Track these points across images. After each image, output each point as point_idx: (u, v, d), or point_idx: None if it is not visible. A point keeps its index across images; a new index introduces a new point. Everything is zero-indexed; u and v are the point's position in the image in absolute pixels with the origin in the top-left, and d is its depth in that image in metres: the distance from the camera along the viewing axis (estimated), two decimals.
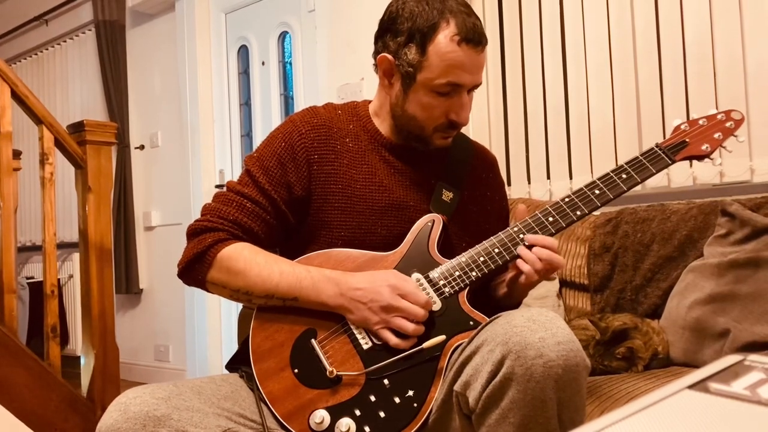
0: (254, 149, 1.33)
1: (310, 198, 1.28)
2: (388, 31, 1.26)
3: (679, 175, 2.32)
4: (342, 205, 1.27)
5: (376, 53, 1.30)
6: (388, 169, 1.31)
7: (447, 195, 1.32)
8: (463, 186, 1.35)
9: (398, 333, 1.15)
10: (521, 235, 1.23)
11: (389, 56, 1.26)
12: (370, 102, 1.38)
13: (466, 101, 1.25)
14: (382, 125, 1.33)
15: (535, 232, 1.23)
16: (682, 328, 1.75)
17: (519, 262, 1.20)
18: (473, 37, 1.19)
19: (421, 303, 1.15)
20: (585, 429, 0.41)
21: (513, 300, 1.33)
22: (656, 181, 2.31)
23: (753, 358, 0.48)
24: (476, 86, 1.26)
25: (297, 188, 1.26)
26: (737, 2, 2.23)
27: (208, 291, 1.26)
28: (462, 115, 1.25)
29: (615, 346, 1.70)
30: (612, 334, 1.71)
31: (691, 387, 0.44)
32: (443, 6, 1.21)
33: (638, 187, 1.28)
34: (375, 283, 1.17)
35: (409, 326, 1.14)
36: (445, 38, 1.19)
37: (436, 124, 1.26)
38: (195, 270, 1.23)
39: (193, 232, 1.25)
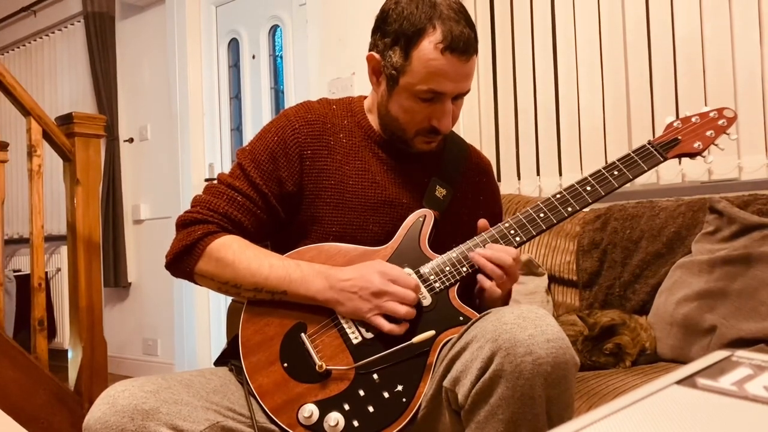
0: (246, 142, 1.32)
1: (302, 193, 1.27)
2: (378, 29, 1.25)
3: (668, 172, 2.33)
4: (334, 201, 1.27)
5: (369, 50, 1.29)
6: (382, 165, 1.31)
7: (440, 191, 1.32)
8: (457, 185, 1.35)
9: (391, 320, 1.15)
10: (512, 231, 1.23)
11: (377, 56, 1.25)
12: (365, 98, 1.38)
13: (448, 109, 1.23)
14: (376, 121, 1.33)
15: (527, 229, 1.23)
16: (669, 325, 1.76)
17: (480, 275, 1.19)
18: (458, 46, 1.17)
19: (411, 286, 1.15)
20: (573, 425, 0.41)
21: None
22: (645, 178, 2.32)
23: (740, 354, 0.48)
24: (462, 94, 1.25)
25: (288, 183, 1.26)
26: (727, 1, 2.25)
27: (195, 283, 1.26)
28: (443, 122, 1.24)
29: (603, 341, 1.71)
30: (600, 329, 1.72)
31: (679, 382, 0.45)
32: (433, 11, 1.18)
33: (627, 184, 1.28)
34: (363, 271, 1.17)
35: (401, 309, 1.14)
36: (429, 45, 1.17)
37: (418, 128, 1.25)
38: (183, 262, 1.23)
39: (183, 224, 1.24)
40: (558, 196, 1.25)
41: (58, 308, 4.26)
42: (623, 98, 2.47)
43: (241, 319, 1.22)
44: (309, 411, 1.11)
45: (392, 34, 1.21)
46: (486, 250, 1.20)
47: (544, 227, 1.23)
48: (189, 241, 1.21)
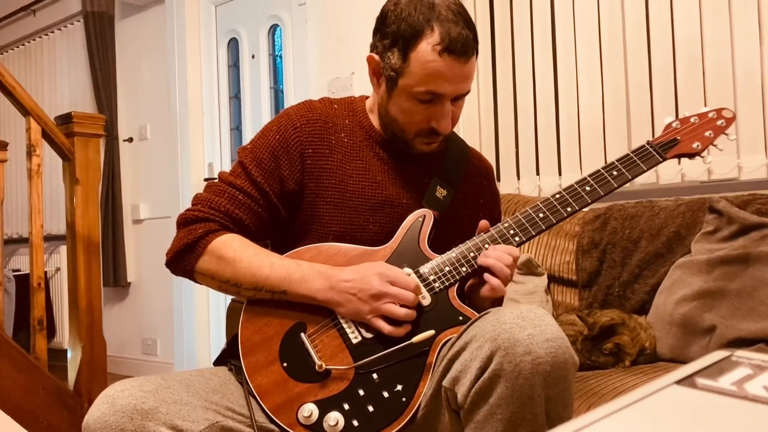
0: (248, 141, 1.32)
1: (303, 192, 1.27)
2: (378, 31, 1.25)
3: (668, 171, 2.33)
4: (334, 200, 1.27)
5: (370, 51, 1.29)
6: (382, 165, 1.31)
7: (441, 192, 1.32)
8: (458, 186, 1.35)
9: (391, 321, 1.15)
10: (511, 231, 1.23)
11: (377, 57, 1.25)
12: (367, 97, 1.37)
13: (447, 110, 1.23)
14: (378, 121, 1.33)
15: (526, 229, 1.23)
16: (669, 324, 1.76)
17: (487, 275, 1.19)
18: (456, 47, 1.16)
19: (410, 287, 1.16)
20: (572, 425, 0.41)
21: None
22: (645, 178, 2.32)
23: (740, 353, 0.48)
24: (462, 95, 1.25)
25: (289, 182, 1.26)
26: (727, 1, 2.25)
27: (196, 281, 1.26)
28: (442, 123, 1.24)
29: (602, 341, 1.71)
30: (599, 329, 1.72)
31: (678, 382, 0.45)
32: (431, 12, 1.17)
33: (627, 184, 1.28)
34: (363, 273, 1.17)
35: (400, 311, 1.14)
36: (427, 47, 1.17)
37: (417, 129, 1.25)
38: (184, 260, 1.23)
39: (184, 222, 1.24)
40: (557, 196, 1.25)
41: (57, 308, 4.26)
42: (623, 98, 2.47)
43: (240, 319, 1.22)
44: (309, 411, 1.11)
45: (391, 36, 1.21)
46: (491, 251, 1.20)
47: (544, 227, 1.23)
48: (190, 239, 1.21)
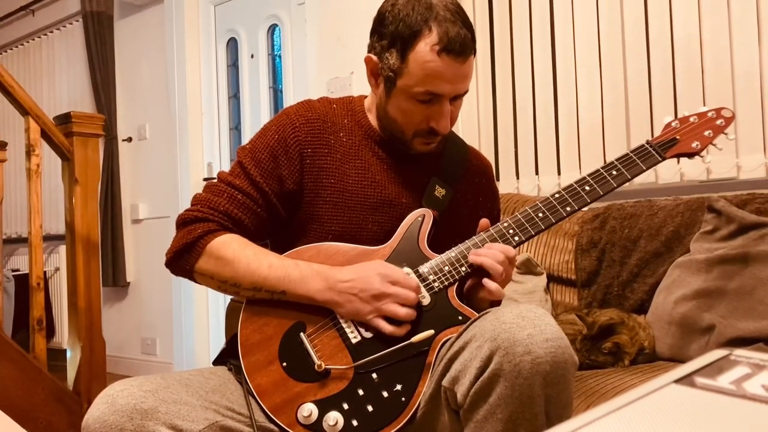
0: (247, 141, 1.32)
1: (302, 192, 1.27)
2: (375, 31, 1.25)
3: (667, 171, 2.34)
4: (334, 200, 1.27)
5: (367, 52, 1.29)
6: (381, 165, 1.31)
7: (440, 191, 1.32)
8: (457, 185, 1.35)
9: (391, 321, 1.15)
10: (510, 231, 1.23)
11: (374, 58, 1.25)
12: (365, 97, 1.38)
13: (446, 110, 1.23)
14: (376, 121, 1.33)
15: (525, 229, 1.23)
16: (668, 324, 1.77)
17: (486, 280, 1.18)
18: (454, 47, 1.16)
19: (411, 287, 1.16)
20: (572, 423, 0.41)
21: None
22: (644, 177, 2.30)
23: (738, 353, 0.48)
24: (461, 95, 1.25)
25: (289, 182, 1.26)
26: (725, 1, 2.25)
27: (195, 281, 1.26)
28: (441, 123, 1.24)
29: (601, 341, 1.72)
30: (599, 329, 1.72)
31: (677, 381, 0.45)
32: (429, 12, 1.17)
33: (626, 183, 1.28)
34: (363, 273, 1.17)
35: (401, 311, 1.14)
36: (425, 47, 1.17)
37: (416, 129, 1.25)
38: (183, 260, 1.23)
39: (183, 222, 1.24)
40: (557, 195, 1.26)
41: (56, 308, 4.26)
42: (622, 98, 2.47)
43: (239, 319, 1.22)
44: (308, 410, 1.11)
45: (389, 36, 1.21)
46: (483, 249, 1.20)
47: (543, 227, 1.23)
48: (189, 239, 1.21)
